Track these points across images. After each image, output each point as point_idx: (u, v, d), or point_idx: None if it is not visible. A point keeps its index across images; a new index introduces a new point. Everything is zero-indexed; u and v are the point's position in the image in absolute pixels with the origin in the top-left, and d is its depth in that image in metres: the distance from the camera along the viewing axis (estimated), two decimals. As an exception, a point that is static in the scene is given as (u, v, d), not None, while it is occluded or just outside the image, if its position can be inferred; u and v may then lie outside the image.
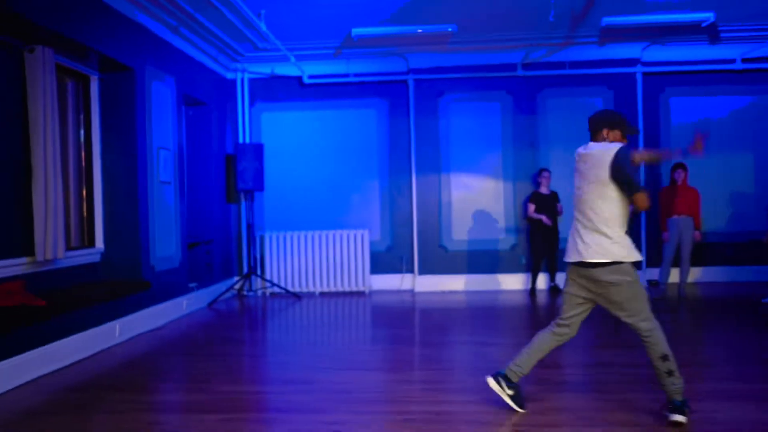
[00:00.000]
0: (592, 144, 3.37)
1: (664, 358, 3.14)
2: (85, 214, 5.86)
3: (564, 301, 3.39)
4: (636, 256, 3.19)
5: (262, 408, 3.72)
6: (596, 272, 3.18)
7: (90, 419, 3.55)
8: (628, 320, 3.20)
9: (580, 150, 3.39)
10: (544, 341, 3.43)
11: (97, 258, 5.80)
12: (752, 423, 3.22)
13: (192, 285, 7.19)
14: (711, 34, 7.58)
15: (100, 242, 5.88)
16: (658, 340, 3.16)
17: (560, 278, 8.18)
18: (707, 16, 6.64)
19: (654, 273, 8.37)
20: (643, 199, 3.11)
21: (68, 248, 5.39)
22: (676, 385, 3.16)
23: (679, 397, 3.17)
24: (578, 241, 3.26)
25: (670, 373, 3.15)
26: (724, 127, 8.30)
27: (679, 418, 3.14)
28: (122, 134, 5.93)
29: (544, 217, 7.71)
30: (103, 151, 5.91)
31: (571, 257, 3.30)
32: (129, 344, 5.44)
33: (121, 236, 5.90)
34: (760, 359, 4.52)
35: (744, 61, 8.09)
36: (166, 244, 6.52)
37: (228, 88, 8.60)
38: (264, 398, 3.88)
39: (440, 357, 4.85)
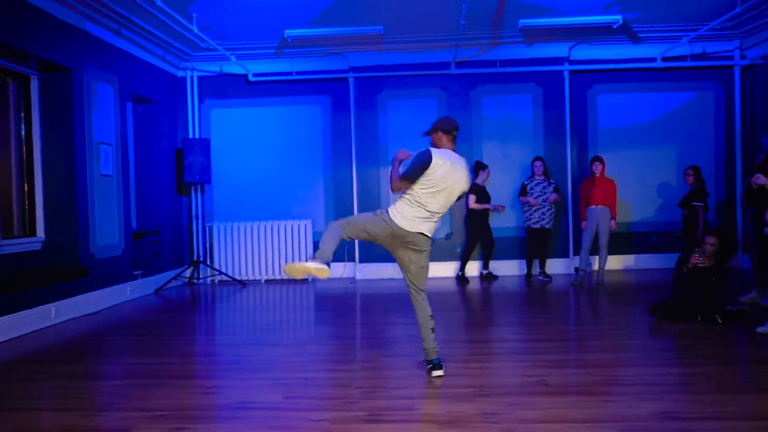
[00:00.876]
0: (448, 150, 3.94)
1: (431, 316, 3.95)
2: (26, 205, 6.28)
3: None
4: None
5: (155, 375, 4.18)
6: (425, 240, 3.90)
7: (16, 386, 4.00)
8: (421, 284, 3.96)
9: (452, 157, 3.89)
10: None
11: (38, 246, 6.22)
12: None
13: (137, 272, 7.62)
14: (628, 34, 8.03)
15: (41, 232, 6.30)
16: (427, 301, 3.98)
17: (493, 266, 8.66)
18: (616, 18, 7.08)
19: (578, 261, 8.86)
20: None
21: (10, 236, 5.82)
22: (435, 343, 3.93)
23: (436, 356, 3.91)
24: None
25: (433, 329, 3.92)
26: (648, 121, 8.76)
27: (440, 372, 3.88)
28: (61, 130, 6.34)
29: (495, 206, 8.25)
30: (43, 147, 6.33)
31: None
32: (64, 326, 5.88)
33: (61, 226, 6.33)
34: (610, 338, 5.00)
35: (664, 59, 8.55)
36: (108, 234, 6.94)
37: (179, 85, 9.01)
38: (164, 369, 4.34)
39: (343, 334, 5.31)
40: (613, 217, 7.67)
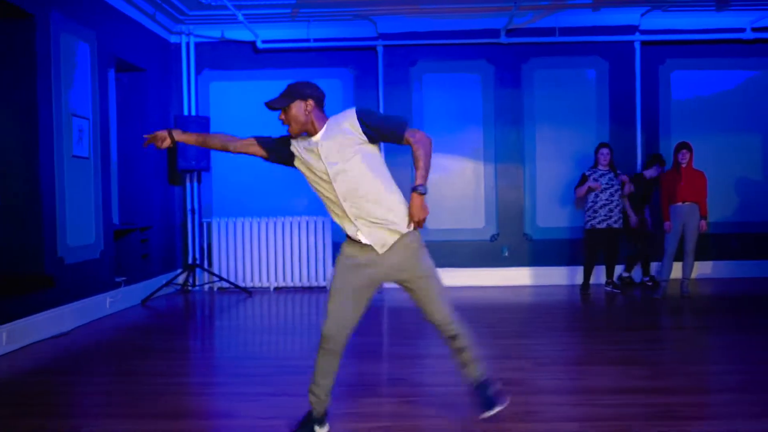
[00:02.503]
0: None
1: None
2: (-27, 193, 4.78)
3: None
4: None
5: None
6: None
7: None
8: None
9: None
10: None
11: (-12, 248, 4.72)
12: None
13: (119, 279, 6.13)
14: (720, -2, 6.67)
15: (-9, 229, 4.80)
16: None
17: (534, 273, 7.28)
18: (721, -29, 5.71)
19: (650, 268, 7.51)
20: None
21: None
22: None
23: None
24: None
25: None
26: (730, 104, 7.42)
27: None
28: (20, 96, 4.83)
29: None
30: (-4, 117, 4.82)
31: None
32: (19, 355, 4.38)
33: (18, 222, 4.83)
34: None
35: (754, 30, 7.20)
36: (82, 232, 5.45)
37: (171, 53, 7.50)
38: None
39: (411, 377, 3.88)
40: (703, 216, 6.32)
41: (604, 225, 6.68)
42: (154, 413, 3.19)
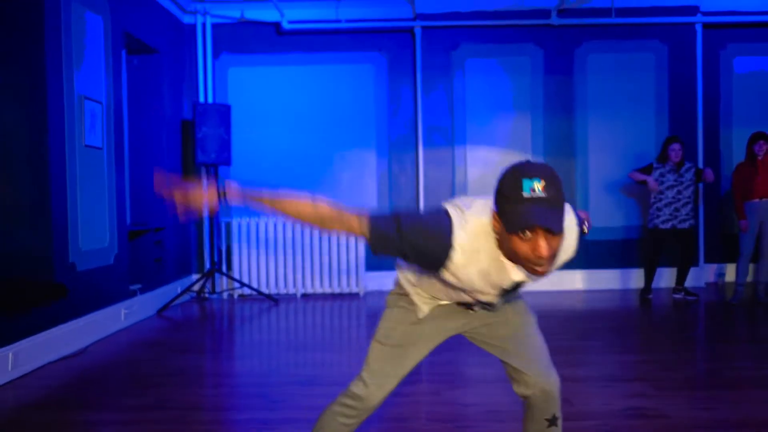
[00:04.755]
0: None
1: None
2: (-31, 188, 4.03)
3: None
4: None
5: None
6: None
7: None
8: None
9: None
10: None
11: (-13, 252, 3.98)
12: None
13: (134, 287, 5.40)
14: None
15: (-9, 230, 4.05)
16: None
17: (585, 276, 6.66)
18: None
19: (710, 270, 6.93)
20: None
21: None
22: None
23: None
24: None
25: None
26: (798, 93, 6.85)
27: None
28: (24, 73, 4.09)
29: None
30: (-3, 98, 4.08)
31: None
32: (22, 384, 3.64)
33: (24, 222, 4.09)
34: None
35: (827, 11, 6.64)
36: (95, 234, 4.71)
37: (186, 34, 6.78)
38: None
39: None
40: (784, 215, 5.73)
41: (668, 225, 6.06)
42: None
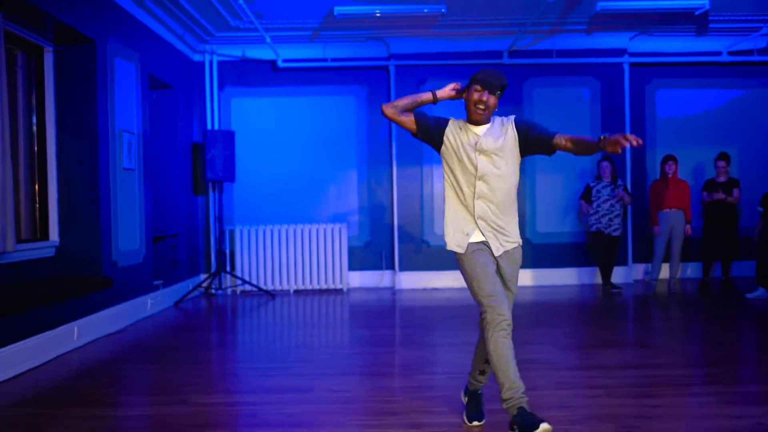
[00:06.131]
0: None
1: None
2: (37, 203, 5.22)
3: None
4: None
5: (259, 422, 3.22)
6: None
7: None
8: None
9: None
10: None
11: (51, 252, 5.17)
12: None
13: (157, 282, 6.59)
14: (700, 24, 7.41)
15: (54, 235, 5.25)
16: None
17: (542, 275, 7.91)
18: (702, 3, 6.42)
19: (638, 269, 8.20)
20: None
21: (18, 241, 4.75)
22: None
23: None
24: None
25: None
26: (710, 119, 8.18)
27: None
28: (81, 114, 5.30)
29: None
30: (59, 134, 5.28)
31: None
32: (88, 349, 4.84)
33: (79, 228, 5.28)
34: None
35: (730, 53, 7.97)
36: (129, 238, 5.91)
37: (195, 70, 8.00)
38: (259, 410, 3.38)
39: (435, 360, 4.44)
40: (688, 222, 7.02)
41: (618, 233, 7.22)
42: (230, 389, 3.71)
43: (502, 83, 2.79)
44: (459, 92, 2.94)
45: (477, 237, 2.87)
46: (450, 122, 2.93)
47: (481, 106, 2.79)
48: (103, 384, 3.92)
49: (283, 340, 5.22)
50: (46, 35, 5.09)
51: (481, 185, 2.82)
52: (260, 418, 3.23)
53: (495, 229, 2.87)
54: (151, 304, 6.36)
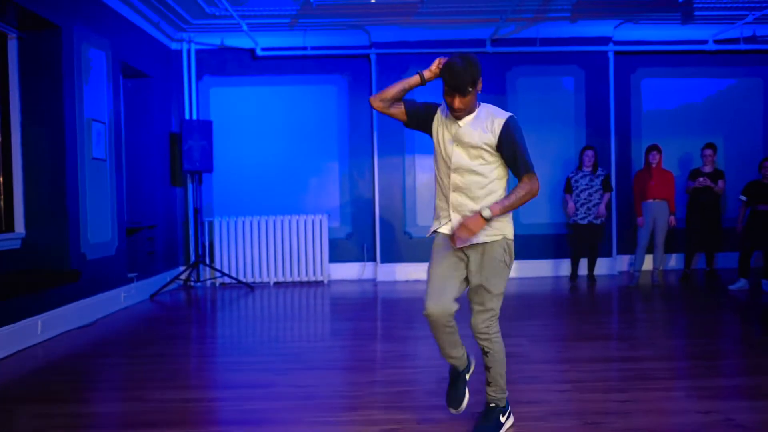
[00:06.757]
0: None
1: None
2: (2, 194, 5.08)
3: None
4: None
5: (215, 419, 3.12)
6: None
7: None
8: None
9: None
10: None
11: (17, 244, 5.03)
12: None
13: (131, 275, 6.47)
14: (685, 11, 7.29)
15: (20, 226, 5.12)
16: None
17: (521, 266, 7.82)
18: (686, -10, 6.32)
19: (622, 261, 8.12)
20: None
21: (-20, 232, 4.62)
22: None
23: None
24: None
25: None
26: (695, 109, 8.08)
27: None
28: (46, 103, 5.16)
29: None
30: (24, 123, 5.13)
31: None
32: (52, 343, 4.72)
33: (46, 220, 5.15)
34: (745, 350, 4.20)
35: (716, 42, 7.86)
36: (100, 229, 5.78)
37: (173, 59, 7.84)
38: (216, 407, 3.28)
39: (407, 353, 4.35)
40: (672, 213, 6.93)
41: (585, 221, 7.25)
42: (194, 385, 3.60)
43: (471, 79, 2.54)
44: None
45: (447, 229, 2.75)
46: (439, 109, 2.79)
47: (457, 112, 2.63)
48: (62, 379, 3.80)
49: (256, 334, 5.11)
50: (9, 21, 4.94)
51: (455, 177, 2.69)
52: (215, 416, 3.14)
53: None
54: (124, 296, 6.24)
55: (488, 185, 2.68)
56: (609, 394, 3.27)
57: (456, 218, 2.71)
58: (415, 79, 2.81)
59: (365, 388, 3.49)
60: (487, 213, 2.55)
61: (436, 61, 2.79)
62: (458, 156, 2.66)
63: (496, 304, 2.73)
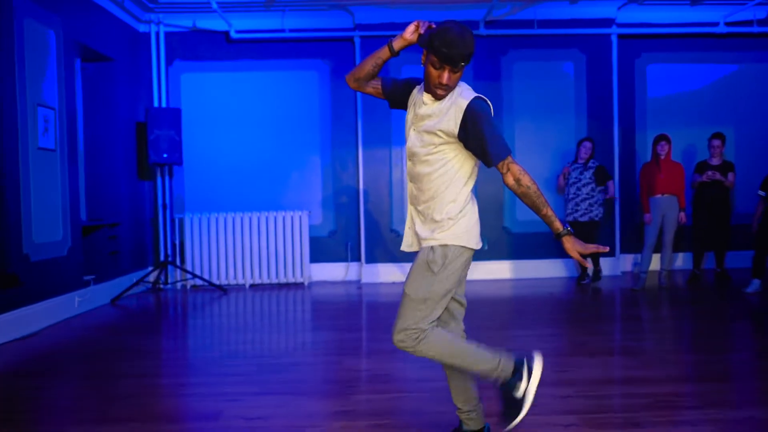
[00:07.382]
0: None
1: None
2: (-71, 187, 4.48)
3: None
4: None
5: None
6: None
7: None
8: None
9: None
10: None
11: (-53, 245, 4.44)
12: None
13: (88, 278, 5.88)
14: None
15: (-49, 225, 4.52)
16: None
17: (519, 267, 7.26)
18: (699, -36, 5.73)
19: (626, 260, 7.57)
20: None
21: None
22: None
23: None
24: None
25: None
26: (704, 97, 7.51)
27: None
28: (-20, 84, 4.55)
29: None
30: (-45, 107, 4.53)
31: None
32: (-17, 358, 4.13)
33: (-20, 217, 4.55)
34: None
35: (728, 24, 7.28)
36: (48, 228, 5.18)
37: (140, 42, 7.23)
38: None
39: (392, 373, 3.77)
40: (682, 209, 6.36)
41: (586, 218, 6.69)
42: (128, 416, 3.01)
43: (468, 51, 2.11)
44: (424, 40, 2.20)
45: (408, 238, 2.43)
46: (416, 88, 2.40)
47: (441, 90, 2.20)
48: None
49: (214, 347, 4.52)
50: (-66, -9, 4.33)
51: (409, 164, 2.38)
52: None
53: (421, 221, 2.35)
54: (79, 301, 5.64)
55: (437, 179, 2.28)
56: (626, 431, 2.70)
57: (412, 212, 2.39)
58: (384, 51, 2.37)
59: (329, 421, 2.92)
60: (561, 230, 2.31)
61: (413, 26, 2.29)
62: (412, 140, 2.34)
63: (412, 312, 2.23)
